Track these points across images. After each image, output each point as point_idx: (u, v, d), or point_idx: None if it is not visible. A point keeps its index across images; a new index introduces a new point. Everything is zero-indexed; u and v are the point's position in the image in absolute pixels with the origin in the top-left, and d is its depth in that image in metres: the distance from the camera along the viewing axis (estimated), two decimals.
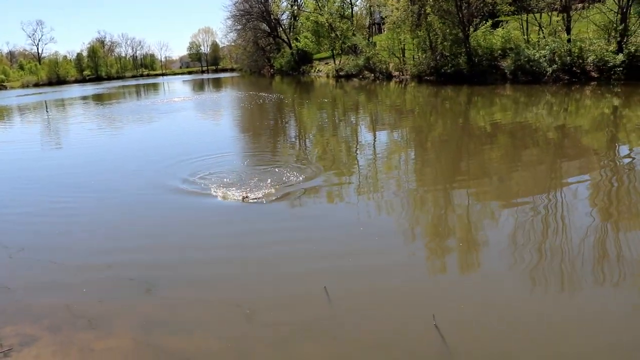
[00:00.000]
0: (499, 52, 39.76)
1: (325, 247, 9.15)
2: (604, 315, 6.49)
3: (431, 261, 8.47)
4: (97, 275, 8.52)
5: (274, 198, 11.62)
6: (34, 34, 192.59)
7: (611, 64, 32.54)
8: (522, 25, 40.84)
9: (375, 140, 20.60)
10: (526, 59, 36.12)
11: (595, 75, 33.53)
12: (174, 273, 8.47)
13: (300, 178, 13.08)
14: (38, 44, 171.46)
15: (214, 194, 12.09)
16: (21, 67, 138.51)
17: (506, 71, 37.86)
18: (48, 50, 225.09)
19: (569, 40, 34.92)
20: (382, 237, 9.37)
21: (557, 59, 34.68)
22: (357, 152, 18.07)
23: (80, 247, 9.87)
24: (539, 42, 37.63)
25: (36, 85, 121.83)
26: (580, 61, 34.28)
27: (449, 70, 41.91)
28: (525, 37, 39.61)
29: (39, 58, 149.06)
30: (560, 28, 37.49)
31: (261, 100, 41.00)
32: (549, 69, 34.57)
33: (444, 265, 8.27)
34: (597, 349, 5.90)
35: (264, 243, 9.36)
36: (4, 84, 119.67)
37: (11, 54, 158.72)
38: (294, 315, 6.99)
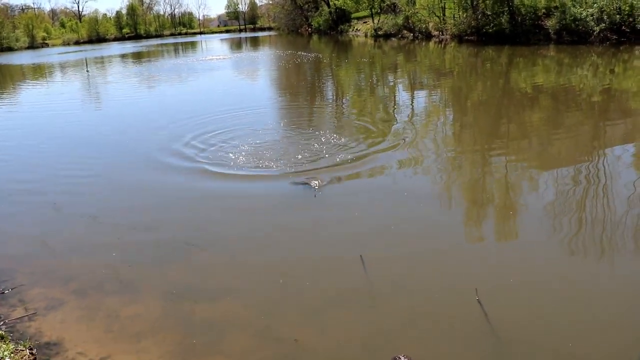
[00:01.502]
0: (543, 10, 38.04)
1: (365, 214, 8.89)
2: None
3: (470, 232, 8.18)
4: (127, 238, 8.49)
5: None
6: None
7: None
8: None
9: (413, 102, 20.03)
10: (572, 18, 34.52)
11: None
12: (207, 239, 8.37)
13: (342, 146, 12.66)
14: (79, 2, 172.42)
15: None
16: (62, 25, 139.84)
17: (550, 31, 36.32)
18: (88, 8, 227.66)
19: None
20: (423, 204, 9.11)
21: (605, 17, 32.97)
22: (396, 114, 17.60)
23: (108, 208, 9.89)
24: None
25: (77, 43, 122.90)
26: (631, 19, 32.49)
27: (490, 30, 40.51)
28: None
29: (79, 16, 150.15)
30: None
31: (299, 60, 40.47)
32: (597, 28, 32.99)
33: (483, 236, 7.97)
34: (635, 320, 5.63)
35: (300, 214, 9.17)
36: (46, 41, 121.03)
37: (53, 12, 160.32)
38: (329, 283, 6.81)
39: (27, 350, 5.42)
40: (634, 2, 32.34)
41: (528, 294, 6.23)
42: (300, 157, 11.91)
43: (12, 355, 5.26)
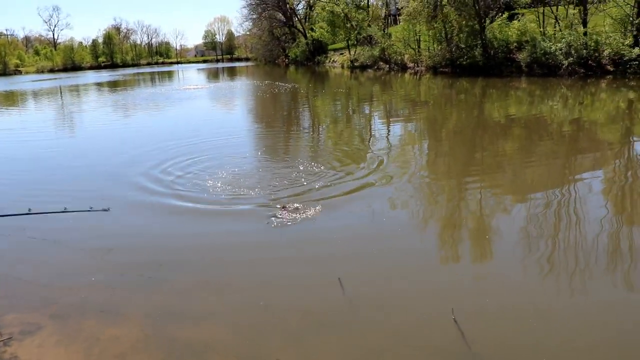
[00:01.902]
0: (515, 44, 39.42)
1: (342, 237, 9.04)
2: (616, 310, 6.45)
3: (446, 254, 8.42)
4: (105, 263, 8.47)
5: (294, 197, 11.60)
6: (50, 20, 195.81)
7: (627, 57, 32.31)
8: (538, 17, 40.43)
9: (389, 132, 20.47)
10: (542, 52, 35.85)
11: (611, 69, 33.26)
12: (185, 264, 8.41)
13: (316, 178, 12.69)
14: (54, 30, 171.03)
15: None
16: (37, 53, 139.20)
17: (522, 64, 37.57)
18: (64, 36, 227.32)
19: (585, 34, 34.59)
20: (400, 229, 9.34)
21: (573, 52, 34.36)
22: (372, 143, 17.91)
23: (85, 234, 9.85)
24: (555, 34, 37.35)
25: (51, 70, 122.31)
26: (596, 54, 34.02)
27: (464, 62, 41.71)
28: (542, 29, 39.25)
29: (54, 44, 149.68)
30: (576, 21, 37.14)
31: (276, 90, 41.00)
32: (565, 62, 34.30)
33: (459, 258, 8.18)
34: (608, 342, 5.84)
35: (278, 239, 9.27)
36: (20, 68, 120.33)
37: (27, 39, 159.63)
38: (309, 305, 6.92)
39: None
40: (599, 39, 33.86)
41: (502, 314, 6.43)
42: (276, 184, 12.10)
43: None
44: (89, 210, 6.68)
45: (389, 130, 20.90)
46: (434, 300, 6.89)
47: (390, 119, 24.46)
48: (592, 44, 34.09)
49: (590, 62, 34.06)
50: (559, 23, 38.24)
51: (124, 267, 8.26)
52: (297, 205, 10.22)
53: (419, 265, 7.99)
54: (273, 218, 9.69)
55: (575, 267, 7.46)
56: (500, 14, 41.41)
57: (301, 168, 13.44)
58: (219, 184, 12.19)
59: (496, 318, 6.37)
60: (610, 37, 33.79)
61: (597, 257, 7.72)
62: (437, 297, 6.95)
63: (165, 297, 7.23)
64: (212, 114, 30.21)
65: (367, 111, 28.44)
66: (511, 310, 6.52)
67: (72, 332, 6.38)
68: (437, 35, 45.94)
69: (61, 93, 51.24)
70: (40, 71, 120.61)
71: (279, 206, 10.22)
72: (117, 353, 5.93)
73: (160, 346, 6.06)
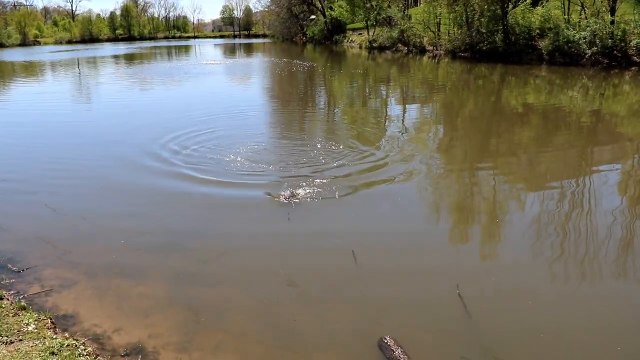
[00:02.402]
0: (537, 31, 38.81)
1: (356, 217, 9.28)
2: (621, 300, 6.60)
3: (456, 236, 8.66)
4: (129, 230, 8.87)
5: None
6: None
7: None
8: (563, 4, 39.80)
9: (405, 115, 20.51)
10: (565, 40, 35.25)
11: (637, 60, 32.62)
12: (204, 234, 8.78)
13: (332, 159, 12.89)
14: (72, 1, 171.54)
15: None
16: (55, 24, 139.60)
17: (543, 51, 37.07)
18: (82, 7, 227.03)
19: (612, 22, 33.74)
20: (410, 214, 9.52)
21: (597, 41, 33.62)
22: (387, 126, 18.04)
23: (102, 205, 10.26)
24: (579, 22, 36.72)
25: (69, 42, 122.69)
26: (623, 44, 33.10)
27: (484, 48, 41.24)
28: (566, 17, 38.61)
29: (72, 15, 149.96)
30: (604, 9, 36.21)
31: (294, 68, 40.96)
32: (589, 52, 33.74)
33: (469, 240, 8.48)
34: (609, 330, 6.00)
35: (294, 212, 9.50)
36: (38, 39, 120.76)
37: (45, 10, 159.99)
38: (323, 274, 7.28)
39: (49, 320, 5.74)
40: (626, 27, 33.02)
41: (506, 292, 6.72)
42: (293, 161, 12.44)
43: (36, 323, 5.59)
44: None
45: (404, 113, 20.93)
46: (441, 276, 7.19)
47: (407, 102, 24.38)
48: (619, 33, 33.11)
49: (615, 52, 33.35)
50: (585, 10, 37.44)
51: (148, 234, 8.71)
52: (305, 190, 10.24)
53: (430, 245, 8.32)
54: (285, 199, 9.78)
55: (585, 256, 7.63)
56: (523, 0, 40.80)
57: (318, 146, 13.59)
58: (239, 159, 12.56)
59: (499, 295, 6.67)
60: (639, 26, 32.86)
61: (607, 248, 7.86)
62: (445, 274, 7.23)
63: (186, 262, 7.64)
64: (231, 90, 30.27)
65: (383, 93, 28.41)
66: (515, 290, 6.81)
67: (103, 288, 6.88)
68: (458, 18, 45.45)
69: (79, 65, 51.42)
70: (58, 42, 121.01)
71: (287, 193, 10.07)
72: (144, 307, 6.42)
73: (182, 303, 6.49)
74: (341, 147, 13.64)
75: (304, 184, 10.53)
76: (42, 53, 77.95)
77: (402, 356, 5.02)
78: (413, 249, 8.06)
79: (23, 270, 7.26)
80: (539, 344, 5.55)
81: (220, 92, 28.16)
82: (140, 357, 5.29)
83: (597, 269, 7.30)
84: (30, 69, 48.21)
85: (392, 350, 5.13)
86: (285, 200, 9.64)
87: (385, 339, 5.35)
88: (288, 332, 5.86)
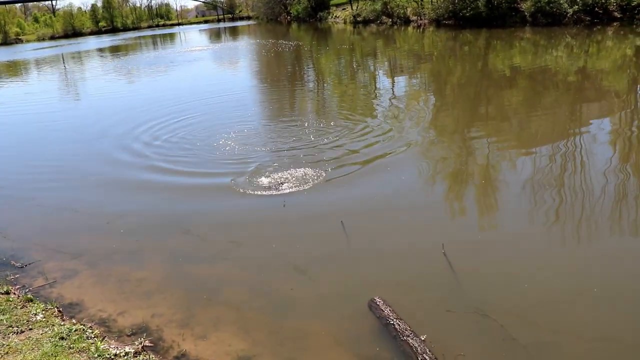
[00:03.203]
0: None
1: (347, 184, 9.53)
2: (617, 259, 6.72)
3: (448, 201, 8.86)
4: (124, 216, 9.12)
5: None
6: None
7: (635, 2, 31.74)
8: None
9: (393, 87, 20.70)
10: (546, 1, 35.39)
11: (618, 16, 32.80)
12: (194, 217, 9.00)
13: (323, 137, 13.20)
14: None
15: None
16: (36, 20, 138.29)
17: (526, 13, 37.21)
18: (62, 2, 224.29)
19: None
20: (403, 179, 9.75)
21: None
22: (376, 100, 18.23)
23: (85, 197, 10.47)
24: None
25: (52, 38, 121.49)
26: (603, 1, 33.40)
27: (467, 14, 41.29)
28: None
29: (53, 10, 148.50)
30: None
31: (280, 48, 40.93)
32: (570, 10, 33.90)
33: (461, 205, 8.67)
34: (605, 287, 6.29)
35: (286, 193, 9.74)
36: (20, 37, 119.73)
37: (25, 7, 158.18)
38: (313, 244, 7.64)
39: (56, 309, 6.01)
40: None
41: (490, 250, 7.01)
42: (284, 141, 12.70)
43: (43, 312, 5.86)
44: None
45: (393, 85, 21.08)
46: (426, 236, 7.50)
47: (394, 74, 24.50)
48: None
49: (596, 9, 33.53)
50: None
51: (143, 221, 8.95)
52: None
53: (419, 212, 8.55)
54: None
55: (581, 216, 7.80)
56: None
57: (306, 125, 13.74)
58: (230, 143, 12.77)
59: (483, 253, 6.95)
60: None
61: (602, 205, 8.03)
62: (429, 234, 7.53)
63: (182, 245, 7.89)
64: (219, 75, 30.29)
65: (371, 67, 28.48)
66: (498, 248, 7.13)
67: (105, 276, 7.15)
68: None
69: (64, 61, 51.23)
70: (41, 39, 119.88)
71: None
72: (145, 290, 6.69)
73: (181, 283, 6.80)
74: (332, 124, 13.86)
75: (292, 165, 10.67)
76: (25, 51, 77.24)
77: (390, 314, 5.31)
78: (402, 217, 8.28)
79: (26, 265, 7.50)
80: (521, 294, 5.84)
81: (211, 78, 28.15)
82: (145, 335, 5.56)
83: (594, 227, 7.47)
84: (14, 69, 47.90)
85: (382, 309, 5.42)
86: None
87: (375, 299, 5.64)
88: (283, 301, 6.15)
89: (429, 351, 4.77)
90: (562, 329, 5.23)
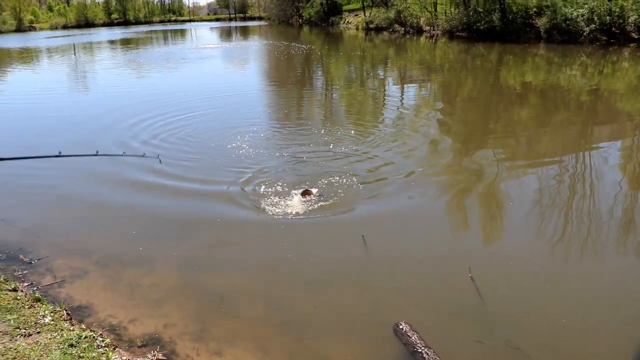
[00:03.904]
0: (535, 9, 38.61)
1: (362, 199, 9.27)
2: (625, 283, 6.62)
3: (461, 220, 8.68)
4: (135, 216, 8.95)
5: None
6: None
7: None
8: None
9: (403, 97, 20.52)
10: (563, 18, 35.10)
11: (636, 37, 32.48)
12: (208, 222, 8.76)
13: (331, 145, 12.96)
14: None
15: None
16: (50, 9, 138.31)
17: (541, 30, 36.94)
18: None
19: None
20: (417, 200, 9.51)
21: (595, 18, 33.51)
22: (385, 108, 18.08)
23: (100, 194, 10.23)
24: (577, 0, 36.58)
25: (65, 27, 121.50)
26: (621, 21, 32.96)
27: (481, 27, 41.05)
28: None
29: (67, 0, 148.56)
30: None
31: (292, 51, 40.79)
32: (587, 29, 33.62)
33: (473, 224, 8.48)
34: (616, 305, 6.07)
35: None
36: (34, 25, 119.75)
37: None
38: (333, 259, 7.34)
39: (64, 312, 5.82)
40: (624, 4, 32.84)
41: (519, 276, 6.75)
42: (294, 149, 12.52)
43: (52, 314, 5.67)
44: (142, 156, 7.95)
45: (402, 95, 20.85)
46: (452, 260, 7.23)
47: (405, 84, 24.32)
48: (617, 9, 32.94)
49: (613, 29, 33.21)
50: None
51: (155, 223, 8.75)
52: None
53: (438, 229, 8.33)
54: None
55: (587, 236, 7.71)
56: None
57: (317, 132, 13.64)
58: (245, 146, 12.59)
59: (509, 278, 6.71)
60: (638, 2, 32.44)
61: (609, 231, 7.87)
62: (453, 258, 7.30)
63: (196, 251, 7.68)
64: (230, 75, 30.09)
65: (381, 75, 28.31)
66: (523, 272, 6.86)
67: (115, 278, 6.94)
68: None
69: (75, 51, 51.13)
70: (54, 27, 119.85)
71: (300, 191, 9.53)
72: (157, 297, 6.48)
73: (194, 292, 6.59)
74: (342, 130, 13.70)
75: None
76: (38, 39, 77.14)
77: (418, 341, 5.09)
78: (420, 234, 8.11)
79: (34, 261, 7.30)
80: (553, 325, 5.63)
81: (223, 78, 28.01)
82: (158, 347, 5.36)
83: (600, 248, 7.35)
84: (27, 56, 47.80)
85: (409, 335, 5.19)
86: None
87: (401, 324, 5.40)
88: (302, 317, 5.93)
89: None
90: None
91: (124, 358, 5.02)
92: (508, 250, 7.48)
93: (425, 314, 5.91)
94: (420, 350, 4.96)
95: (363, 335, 5.60)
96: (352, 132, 13.75)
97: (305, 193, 9.23)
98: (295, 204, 8.98)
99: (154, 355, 5.12)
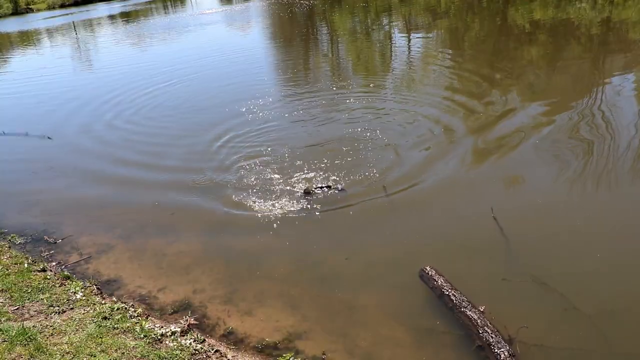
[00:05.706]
0: None
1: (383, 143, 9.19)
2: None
3: (484, 159, 8.56)
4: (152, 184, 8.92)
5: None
6: None
7: None
8: None
9: (410, 45, 20.15)
10: None
11: None
12: (229, 184, 8.69)
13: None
14: None
15: None
16: None
17: None
18: None
19: None
20: (432, 142, 9.41)
21: None
22: (394, 59, 17.81)
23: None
24: None
25: (62, 6, 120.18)
26: None
27: None
28: None
29: None
30: None
31: (295, 9, 40.14)
32: None
33: (496, 164, 8.35)
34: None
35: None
36: (30, 6, 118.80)
37: None
38: (355, 209, 7.29)
39: (94, 287, 5.89)
40: None
41: (539, 214, 6.67)
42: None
43: (82, 290, 5.74)
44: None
45: (409, 44, 20.48)
46: (474, 201, 7.18)
47: (411, 31, 23.89)
48: None
49: None
50: None
51: (174, 192, 8.60)
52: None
53: (458, 170, 8.23)
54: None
55: (609, 170, 7.56)
56: None
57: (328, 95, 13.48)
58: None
59: (531, 216, 6.65)
60: None
61: (630, 159, 7.77)
62: (475, 198, 7.25)
63: (217, 215, 7.64)
64: (236, 39, 29.67)
65: (386, 24, 27.82)
66: (544, 210, 6.75)
67: (140, 250, 7.00)
68: None
69: (75, 30, 50.75)
70: (51, 7, 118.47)
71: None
72: (184, 264, 6.53)
73: (220, 256, 6.62)
74: (352, 82, 13.55)
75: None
76: (37, 20, 76.41)
77: (445, 284, 5.08)
78: (442, 176, 7.99)
79: (59, 240, 7.40)
80: (578, 260, 5.59)
81: (229, 42, 27.65)
82: (189, 312, 5.42)
83: (619, 180, 7.27)
84: (27, 39, 47.45)
85: (435, 279, 5.19)
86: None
87: (426, 268, 5.40)
88: (328, 272, 5.95)
89: (490, 323, 4.56)
90: (627, 297, 4.99)
91: (157, 325, 5.09)
92: (528, 189, 7.41)
93: (449, 256, 5.92)
94: (447, 293, 4.96)
95: (389, 283, 5.62)
96: (362, 87, 13.59)
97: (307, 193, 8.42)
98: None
99: (187, 321, 5.18)
